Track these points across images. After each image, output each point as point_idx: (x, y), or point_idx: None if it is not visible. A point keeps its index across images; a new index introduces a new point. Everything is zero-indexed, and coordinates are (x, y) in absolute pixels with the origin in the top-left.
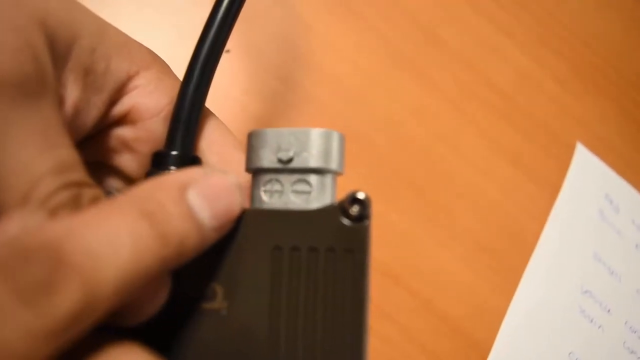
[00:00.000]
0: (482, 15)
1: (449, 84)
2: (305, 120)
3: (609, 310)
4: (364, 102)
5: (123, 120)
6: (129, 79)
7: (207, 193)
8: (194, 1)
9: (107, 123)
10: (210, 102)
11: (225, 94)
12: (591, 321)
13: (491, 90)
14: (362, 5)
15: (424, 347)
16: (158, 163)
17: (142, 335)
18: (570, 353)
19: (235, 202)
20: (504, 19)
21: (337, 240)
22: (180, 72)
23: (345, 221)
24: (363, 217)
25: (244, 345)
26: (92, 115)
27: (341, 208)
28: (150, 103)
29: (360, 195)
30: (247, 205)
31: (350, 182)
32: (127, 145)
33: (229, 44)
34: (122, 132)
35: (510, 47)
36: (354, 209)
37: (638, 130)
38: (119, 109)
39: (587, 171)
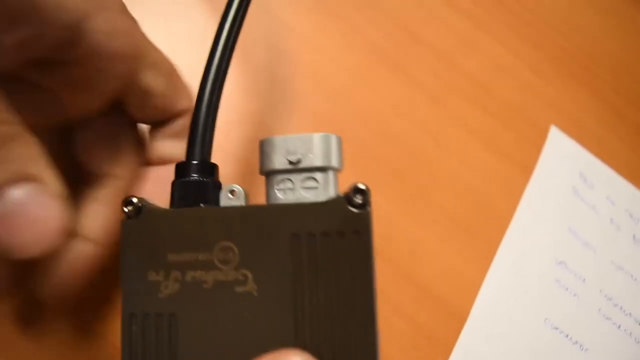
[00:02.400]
0: (459, 12)
1: (428, 78)
2: (294, 117)
3: (584, 280)
4: (348, 98)
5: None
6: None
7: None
8: (199, 10)
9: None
10: None
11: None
12: (566, 290)
13: (468, 82)
14: (343, 7)
15: (405, 315)
16: (181, 173)
17: None
18: (545, 319)
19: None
20: (480, 14)
21: (346, 225)
22: (192, 76)
23: (352, 209)
24: (365, 204)
25: (274, 319)
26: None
27: (347, 198)
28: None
29: (362, 186)
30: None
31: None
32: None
33: None
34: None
35: (486, 41)
36: (358, 198)
37: (612, 113)
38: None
39: (560, 151)
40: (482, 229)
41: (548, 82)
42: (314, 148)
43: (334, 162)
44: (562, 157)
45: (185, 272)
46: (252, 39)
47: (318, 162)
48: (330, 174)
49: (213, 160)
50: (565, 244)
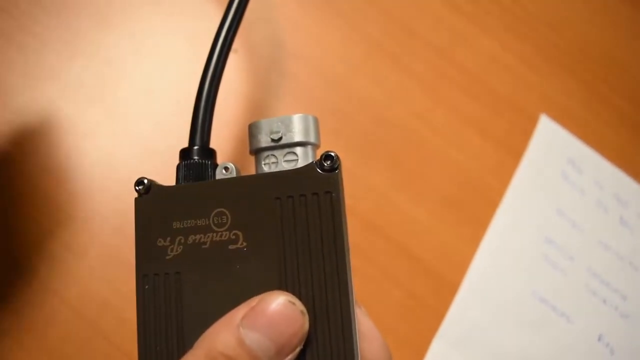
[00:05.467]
0: (451, 6)
1: (422, 68)
2: (298, 104)
3: (571, 258)
4: (347, 87)
5: None
6: None
7: (261, 324)
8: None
9: None
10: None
11: (232, 87)
12: (554, 265)
13: (461, 73)
14: (343, 4)
15: (400, 285)
16: (184, 156)
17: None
18: (533, 291)
19: (295, 326)
20: (471, 9)
21: (318, 187)
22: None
23: (322, 172)
24: (334, 168)
25: (262, 269)
26: None
27: (318, 164)
28: None
29: (331, 153)
30: None
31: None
32: None
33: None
34: None
35: (478, 34)
36: (327, 163)
37: (601, 102)
38: None
39: (550, 138)
40: (473, 208)
41: (538, 73)
42: (293, 127)
43: (311, 138)
44: (551, 143)
45: (188, 236)
46: (255, 35)
47: (297, 138)
48: (309, 148)
49: (223, 140)
50: (554, 224)
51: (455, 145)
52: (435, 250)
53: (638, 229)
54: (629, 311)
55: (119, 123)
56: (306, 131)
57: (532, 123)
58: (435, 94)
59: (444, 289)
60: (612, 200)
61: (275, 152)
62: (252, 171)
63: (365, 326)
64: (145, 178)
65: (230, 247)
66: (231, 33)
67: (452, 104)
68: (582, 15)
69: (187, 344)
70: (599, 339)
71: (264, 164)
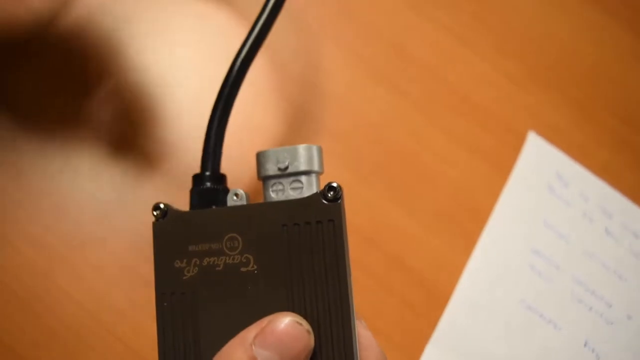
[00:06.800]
0: (442, 29)
1: (415, 89)
2: (302, 128)
3: (557, 267)
4: (345, 109)
5: None
6: None
7: (270, 342)
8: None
9: None
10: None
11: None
12: (540, 275)
13: (451, 92)
14: (340, 31)
15: (395, 294)
16: (197, 182)
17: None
18: (521, 300)
19: (302, 343)
20: (461, 31)
21: (322, 215)
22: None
23: (326, 202)
24: (337, 198)
25: (271, 291)
26: None
27: (322, 194)
28: None
29: (334, 184)
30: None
31: (334, 171)
32: None
33: None
34: None
35: (468, 55)
36: (330, 194)
37: (588, 118)
38: None
39: (538, 153)
40: (464, 221)
41: (526, 91)
42: (299, 157)
43: (315, 167)
44: (539, 159)
45: (203, 258)
46: (277, 63)
47: (302, 167)
48: (313, 176)
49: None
50: (541, 235)
51: (447, 161)
52: (428, 261)
53: (622, 239)
54: (614, 318)
55: None
56: (310, 160)
57: (519, 139)
58: (427, 113)
59: (437, 298)
60: (597, 211)
61: (282, 180)
62: (260, 195)
63: (365, 338)
64: (162, 203)
65: (242, 269)
66: (249, 61)
67: (443, 123)
68: (568, 32)
69: (203, 358)
70: (585, 344)
71: (272, 191)
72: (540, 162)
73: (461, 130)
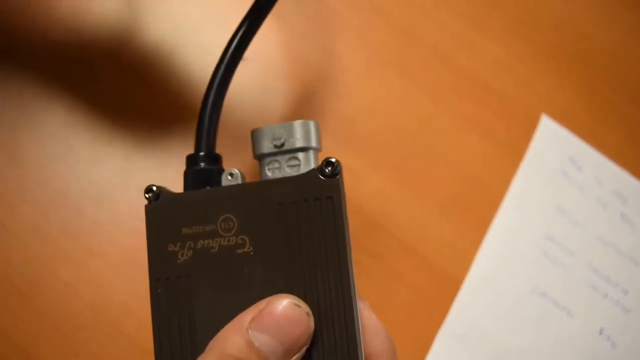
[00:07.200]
0: (455, 12)
1: (426, 74)
2: (306, 111)
3: (571, 253)
4: (353, 94)
5: None
6: None
7: (268, 326)
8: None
9: None
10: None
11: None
12: (554, 261)
13: (462, 76)
14: (351, 14)
15: (406, 282)
16: (191, 163)
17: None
18: (534, 287)
19: (301, 327)
20: (474, 14)
21: (320, 192)
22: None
23: (323, 178)
24: (335, 173)
25: (268, 273)
26: None
27: (319, 170)
28: None
29: (332, 159)
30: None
31: (343, 155)
32: None
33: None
34: None
35: (481, 39)
36: (328, 169)
37: (601, 101)
38: None
39: (550, 137)
40: (476, 207)
41: (539, 74)
42: (295, 133)
43: (313, 143)
44: (552, 143)
45: (197, 241)
46: (262, 48)
47: (299, 144)
48: (311, 153)
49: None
50: (554, 221)
51: (458, 146)
52: (440, 248)
53: (638, 225)
54: (630, 305)
55: None
56: (307, 136)
57: (532, 123)
58: (438, 97)
59: (448, 285)
60: (612, 196)
61: (278, 158)
62: (256, 174)
63: (369, 319)
64: (154, 185)
65: (238, 251)
66: (244, 43)
67: (454, 107)
68: (582, 15)
69: (199, 344)
70: (600, 332)
71: (268, 169)
72: (553, 146)
73: (472, 115)
